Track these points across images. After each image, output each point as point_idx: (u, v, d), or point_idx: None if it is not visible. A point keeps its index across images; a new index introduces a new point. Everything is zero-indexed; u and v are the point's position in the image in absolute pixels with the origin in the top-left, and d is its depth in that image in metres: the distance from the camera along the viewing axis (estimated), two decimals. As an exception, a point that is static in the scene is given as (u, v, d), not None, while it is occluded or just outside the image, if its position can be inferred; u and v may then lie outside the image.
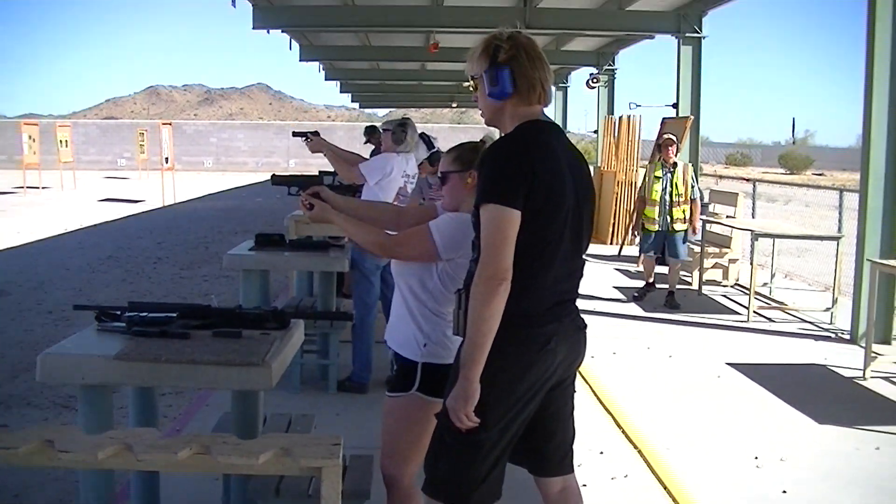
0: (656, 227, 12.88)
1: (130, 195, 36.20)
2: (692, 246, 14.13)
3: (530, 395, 3.75)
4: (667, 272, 13.26)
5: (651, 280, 13.59)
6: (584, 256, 3.94)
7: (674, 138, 13.23)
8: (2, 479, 6.35)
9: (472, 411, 3.60)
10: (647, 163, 13.46)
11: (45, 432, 3.20)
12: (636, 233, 13.88)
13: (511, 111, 3.81)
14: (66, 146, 41.46)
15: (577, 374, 7.52)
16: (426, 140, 9.04)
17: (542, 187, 3.57)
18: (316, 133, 8.84)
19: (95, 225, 24.45)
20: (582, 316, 4.00)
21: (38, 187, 37.81)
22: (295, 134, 9.48)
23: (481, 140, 4.49)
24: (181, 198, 33.85)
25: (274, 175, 9.29)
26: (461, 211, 4.32)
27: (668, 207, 12.76)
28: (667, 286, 13.13)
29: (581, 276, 3.95)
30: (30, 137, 38.69)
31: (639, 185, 18.71)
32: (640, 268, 13.57)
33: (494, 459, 3.80)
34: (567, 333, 3.81)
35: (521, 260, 3.56)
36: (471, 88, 3.99)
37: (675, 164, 12.85)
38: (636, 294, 13.60)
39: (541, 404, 3.86)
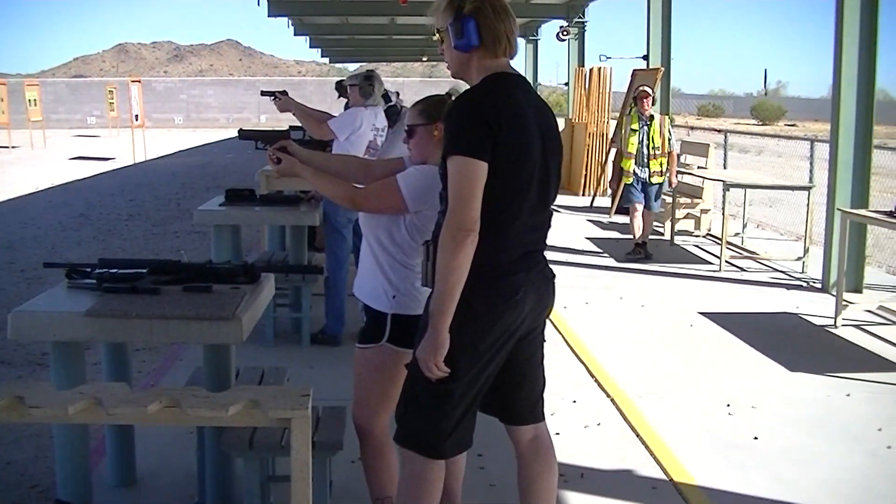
0: (630, 180, 12.85)
1: (101, 153, 35.97)
2: (664, 197, 14.12)
3: (499, 345, 3.78)
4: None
5: (641, 237, 13.07)
6: (552, 208, 3.94)
7: (649, 90, 13.12)
8: (-24, 437, 6.36)
9: (442, 361, 3.63)
10: (618, 114, 13.31)
11: (16, 388, 3.20)
12: (613, 186, 13.69)
13: (477, 63, 3.80)
14: (35, 105, 41.11)
15: (550, 324, 7.54)
16: (384, 95, 9.00)
17: (509, 139, 3.58)
18: (284, 92, 8.84)
19: (66, 183, 24.29)
20: (550, 266, 4.01)
21: (7, 146, 37.52)
22: (263, 93, 9.45)
23: (447, 93, 4.49)
24: (152, 155, 33.65)
25: (241, 130, 9.27)
26: (428, 163, 4.32)
27: (645, 160, 12.73)
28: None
29: (549, 227, 3.96)
30: (-2, 96, 38.39)
31: (610, 136, 18.82)
32: (632, 221, 13.04)
33: (464, 409, 3.82)
34: (535, 283, 3.83)
35: (489, 211, 3.57)
36: (438, 41, 3.98)
37: (651, 117, 12.82)
38: (633, 255, 13.01)
39: (510, 354, 3.89)
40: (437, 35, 3.91)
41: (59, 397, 3.15)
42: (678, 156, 14.89)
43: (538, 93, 4.10)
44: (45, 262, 5.50)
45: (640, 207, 12.92)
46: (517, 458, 4.21)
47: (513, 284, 3.71)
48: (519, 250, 3.74)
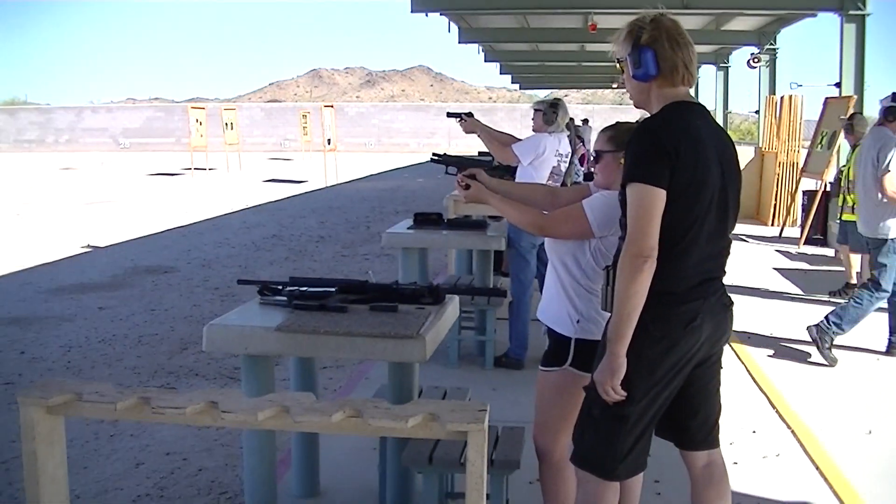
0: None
1: (294, 176, 36.98)
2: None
3: (675, 371, 3.80)
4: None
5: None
6: (731, 236, 3.95)
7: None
8: (173, 444, 6.66)
9: (619, 385, 3.68)
10: (841, 144, 12.42)
11: (210, 394, 3.37)
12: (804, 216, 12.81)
13: (656, 92, 3.85)
14: (232, 128, 42.41)
15: (732, 353, 7.46)
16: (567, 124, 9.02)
17: (686, 166, 3.61)
18: (470, 114, 8.91)
19: (260, 205, 25.06)
20: (728, 294, 4.01)
21: (204, 168, 38.90)
22: (449, 115, 9.56)
23: (637, 121, 4.54)
24: (343, 178, 34.43)
25: (434, 154, 9.41)
26: (613, 189, 4.37)
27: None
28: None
29: (728, 254, 3.96)
30: (197, 121, 39.79)
31: (801, 165, 18.43)
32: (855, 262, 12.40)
33: (640, 432, 3.86)
34: (713, 311, 3.84)
35: (667, 238, 3.61)
36: (619, 71, 4.05)
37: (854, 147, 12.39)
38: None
39: (687, 380, 3.90)
40: (618, 65, 3.98)
41: (249, 404, 3.30)
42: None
43: (727, 121, 4.11)
44: (239, 279, 5.74)
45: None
46: (691, 483, 4.22)
47: (691, 311, 3.74)
48: (697, 277, 3.76)
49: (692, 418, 4.06)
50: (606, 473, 3.90)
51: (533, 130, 8.70)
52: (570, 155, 8.74)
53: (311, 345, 4.38)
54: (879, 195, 8.80)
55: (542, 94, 60.76)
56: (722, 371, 4.16)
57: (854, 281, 11.87)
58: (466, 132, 8.90)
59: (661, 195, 3.58)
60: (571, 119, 8.93)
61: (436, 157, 9.20)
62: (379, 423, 3.18)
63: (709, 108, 4.38)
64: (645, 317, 3.62)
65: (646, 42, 3.78)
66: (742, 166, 13.38)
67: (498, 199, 4.60)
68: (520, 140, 8.69)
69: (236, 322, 4.61)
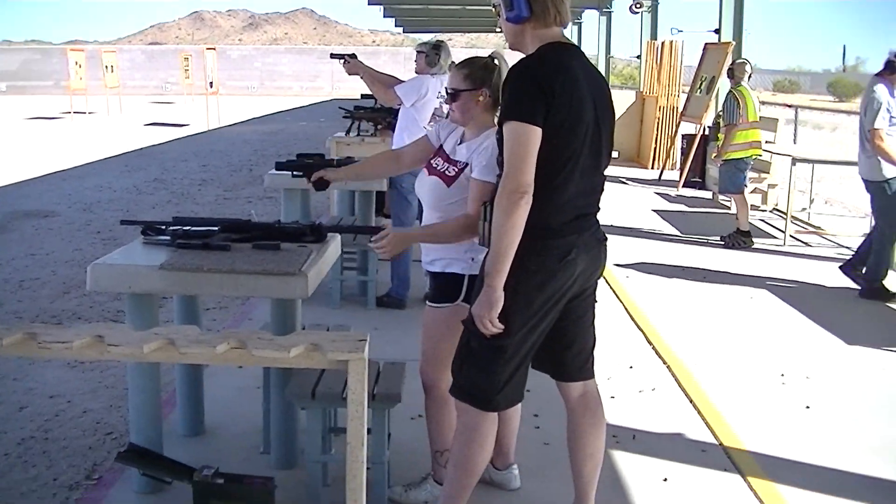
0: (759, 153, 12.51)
1: (176, 119, 36.50)
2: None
3: (551, 304, 3.94)
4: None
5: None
6: (604, 173, 4.09)
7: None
8: (56, 386, 6.66)
9: (496, 318, 3.80)
10: (739, 85, 12.53)
11: (97, 329, 3.40)
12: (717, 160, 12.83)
13: (531, 34, 3.96)
14: (112, 71, 41.59)
15: (611, 292, 7.68)
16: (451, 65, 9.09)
17: (562, 104, 3.73)
18: (353, 55, 8.92)
19: (141, 149, 24.74)
20: (603, 230, 4.15)
21: (84, 112, 38.13)
22: (332, 56, 9.55)
23: (490, 56, 4.63)
24: (226, 122, 34.09)
25: (277, 162, 9.40)
26: (473, 126, 4.52)
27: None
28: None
29: (601, 191, 4.10)
30: (76, 63, 38.92)
31: (680, 109, 18.76)
32: (734, 208, 12.63)
33: (517, 364, 4.00)
34: (588, 245, 3.98)
35: (542, 174, 3.73)
36: (495, 15, 4.14)
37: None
38: (745, 242, 12.05)
39: (562, 313, 4.05)
40: (493, 9, 4.09)
41: (135, 336, 3.35)
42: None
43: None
44: (121, 219, 5.75)
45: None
46: (567, 413, 4.38)
47: (566, 245, 3.87)
48: (572, 213, 3.89)
49: (567, 350, 4.21)
50: (485, 404, 4.04)
51: (416, 72, 8.75)
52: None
53: (194, 282, 4.44)
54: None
55: (426, 37, 60.68)
56: (597, 304, 4.31)
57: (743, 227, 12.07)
58: (349, 74, 8.91)
59: (536, 132, 3.69)
60: (453, 61, 8.97)
61: (279, 165, 9.22)
62: (262, 354, 3.25)
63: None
64: (521, 251, 3.74)
65: None
66: (623, 110, 13.78)
67: (418, 234, 4.80)
68: (403, 82, 8.74)
69: (120, 261, 4.64)
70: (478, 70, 4.52)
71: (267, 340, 3.32)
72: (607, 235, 4.18)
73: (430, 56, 8.54)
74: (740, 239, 11.88)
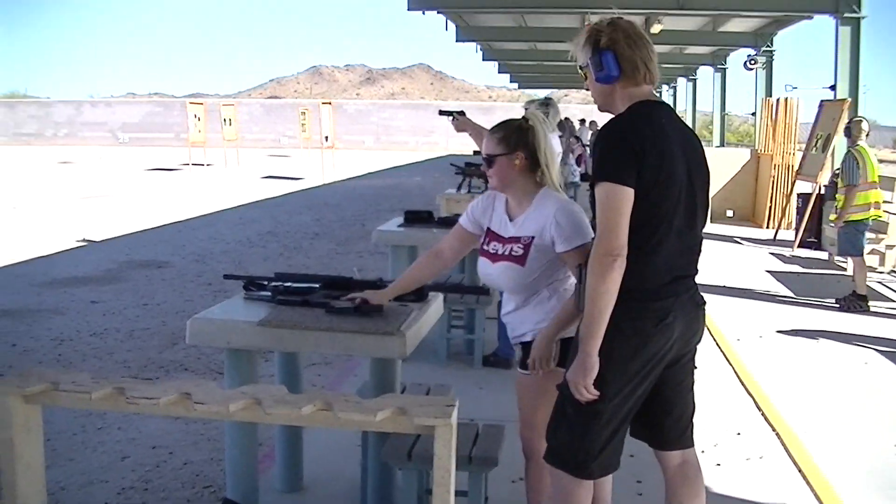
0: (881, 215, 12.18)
1: (291, 173, 37.00)
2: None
3: (648, 369, 3.84)
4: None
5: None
6: (700, 233, 4.00)
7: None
8: (159, 437, 6.70)
9: (591, 383, 3.71)
10: (857, 144, 12.32)
11: (184, 385, 3.41)
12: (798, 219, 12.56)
13: (620, 93, 3.91)
14: (231, 124, 42.50)
15: (721, 354, 7.52)
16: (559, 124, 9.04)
17: (653, 164, 3.66)
18: (462, 112, 8.91)
19: (256, 201, 25.11)
20: (701, 293, 4.04)
21: (202, 164, 38.92)
22: (441, 113, 9.55)
23: (524, 118, 4.58)
24: (341, 176, 34.46)
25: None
26: (516, 193, 4.48)
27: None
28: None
29: (699, 252, 4.00)
30: (196, 116, 39.91)
31: (796, 167, 18.45)
32: (851, 269, 12.21)
33: (613, 430, 3.89)
34: (685, 309, 3.88)
35: (637, 236, 3.65)
36: (582, 77, 4.09)
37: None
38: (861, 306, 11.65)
39: (660, 379, 3.94)
40: (580, 72, 4.04)
41: (221, 395, 3.34)
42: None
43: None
44: (224, 273, 5.78)
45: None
46: (665, 482, 4.25)
47: (662, 308, 3.77)
48: (668, 275, 3.80)
49: (666, 417, 4.09)
50: (580, 471, 3.93)
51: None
52: (561, 155, 8.76)
53: (292, 339, 4.42)
54: None
55: (542, 93, 60.83)
56: (696, 370, 4.19)
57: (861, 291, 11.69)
58: (458, 131, 8.89)
59: (628, 193, 3.62)
60: (567, 119, 8.96)
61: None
62: (348, 416, 3.21)
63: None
64: (617, 314, 3.66)
65: (605, 45, 3.85)
66: (738, 169, 13.61)
67: (554, 329, 4.35)
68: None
69: (219, 316, 4.66)
70: (512, 133, 4.49)
71: (354, 403, 3.28)
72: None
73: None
74: (857, 302, 11.55)
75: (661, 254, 3.75)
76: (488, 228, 4.64)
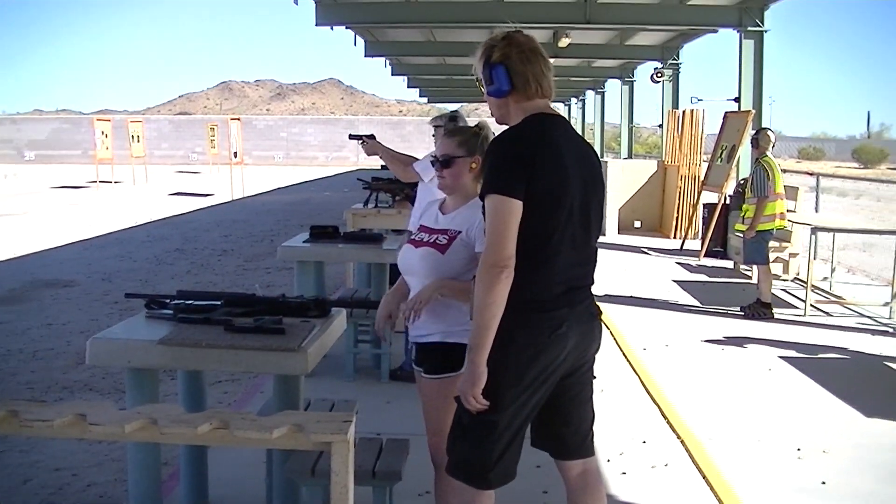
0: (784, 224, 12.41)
1: (200, 189, 36.78)
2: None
3: (542, 378, 3.86)
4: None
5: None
6: (595, 244, 4.05)
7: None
8: (63, 459, 6.61)
9: (481, 393, 3.74)
10: (765, 155, 12.49)
11: (79, 407, 3.38)
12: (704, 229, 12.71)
13: (514, 107, 3.96)
14: (138, 141, 42.09)
15: (627, 363, 7.60)
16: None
17: (544, 175, 3.71)
18: (371, 136, 8.94)
19: (164, 218, 24.90)
20: (597, 303, 4.09)
21: (110, 181, 38.46)
22: (351, 137, 9.55)
23: (477, 125, 4.71)
24: (250, 192, 34.29)
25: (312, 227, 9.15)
26: (458, 194, 4.58)
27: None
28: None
29: (594, 263, 4.05)
30: (103, 133, 39.41)
31: (702, 178, 18.71)
32: (756, 278, 12.50)
33: (508, 440, 3.91)
34: (580, 319, 3.92)
35: (527, 247, 3.70)
36: (480, 89, 4.14)
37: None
38: (765, 313, 11.88)
39: (558, 389, 3.97)
40: (477, 83, 4.10)
41: (117, 416, 3.31)
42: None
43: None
44: (126, 292, 5.74)
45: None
46: (566, 492, 4.28)
47: (556, 318, 3.81)
48: (562, 286, 3.84)
49: (565, 428, 4.12)
50: (479, 482, 3.96)
51: (436, 146, 8.74)
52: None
53: (194, 358, 4.41)
54: None
55: (452, 107, 60.96)
56: (595, 380, 4.23)
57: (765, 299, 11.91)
58: (368, 154, 8.89)
59: (516, 206, 3.66)
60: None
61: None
62: (245, 435, 3.21)
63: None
64: (511, 325, 3.70)
65: (497, 59, 3.92)
66: (645, 180, 13.81)
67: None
68: (419, 159, 8.75)
69: (120, 335, 4.63)
70: (471, 137, 4.60)
71: (250, 421, 3.28)
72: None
73: (448, 128, 8.52)
74: (761, 310, 11.75)
75: (555, 264, 3.79)
76: (421, 224, 4.72)
